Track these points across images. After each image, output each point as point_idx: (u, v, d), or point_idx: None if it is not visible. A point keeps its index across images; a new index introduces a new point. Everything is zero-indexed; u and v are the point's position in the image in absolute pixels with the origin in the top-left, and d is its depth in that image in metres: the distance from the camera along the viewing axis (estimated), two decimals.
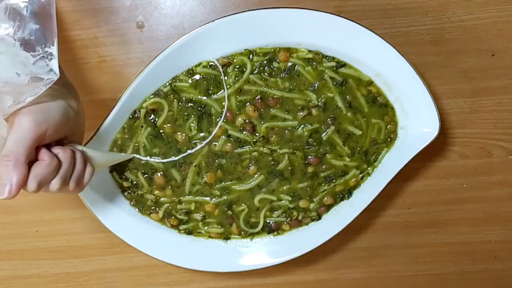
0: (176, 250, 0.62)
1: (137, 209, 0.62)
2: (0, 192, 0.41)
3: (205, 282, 0.68)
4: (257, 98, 0.59)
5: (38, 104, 0.44)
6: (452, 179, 0.67)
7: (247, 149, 0.60)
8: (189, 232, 0.63)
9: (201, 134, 0.59)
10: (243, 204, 0.62)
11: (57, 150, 0.46)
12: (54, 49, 0.40)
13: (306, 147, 0.61)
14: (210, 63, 0.58)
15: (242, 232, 0.63)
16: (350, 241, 0.68)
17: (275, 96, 0.59)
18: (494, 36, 0.63)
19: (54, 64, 0.40)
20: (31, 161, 0.43)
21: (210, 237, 0.63)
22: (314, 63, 0.59)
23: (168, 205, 0.62)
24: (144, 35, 0.62)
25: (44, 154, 0.44)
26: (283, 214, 0.63)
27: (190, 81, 0.59)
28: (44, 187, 0.44)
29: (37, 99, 0.43)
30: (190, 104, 0.59)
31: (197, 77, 0.58)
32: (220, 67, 0.58)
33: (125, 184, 0.61)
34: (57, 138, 0.46)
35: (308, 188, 0.62)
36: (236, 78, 0.58)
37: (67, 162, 0.46)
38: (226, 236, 0.63)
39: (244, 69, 0.58)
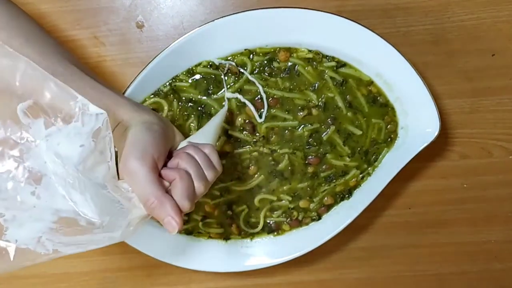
0: (176, 250, 0.62)
1: None
2: (169, 230, 0.42)
3: (205, 282, 0.68)
4: (257, 98, 0.59)
5: (127, 143, 0.44)
6: (452, 179, 0.67)
7: (247, 149, 0.60)
8: (189, 232, 0.63)
9: None
10: (243, 204, 0.62)
11: (174, 161, 0.46)
12: (82, 99, 0.40)
13: (306, 147, 0.61)
14: (210, 63, 0.58)
15: (242, 232, 0.63)
16: (350, 241, 0.68)
17: (275, 96, 0.59)
18: (494, 36, 0.63)
19: (93, 108, 0.40)
20: (166, 189, 0.44)
21: (210, 237, 0.63)
22: (314, 63, 0.59)
23: None
24: (144, 35, 0.62)
25: (169, 174, 0.45)
26: (283, 214, 0.63)
27: (190, 81, 0.58)
28: (195, 197, 0.45)
29: (119, 143, 0.44)
30: (190, 104, 0.59)
31: (197, 77, 0.58)
32: (235, 65, 0.58)
33: None
34: (165, 155, 0.46)
35: (308, 188, 0.62)
36: (236, 78, 0.58)
37: (191, 163, 0.46)
38: (226, 236, 0.63)
39: (245, 69, 0.58)
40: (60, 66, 0.46)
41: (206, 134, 0.52)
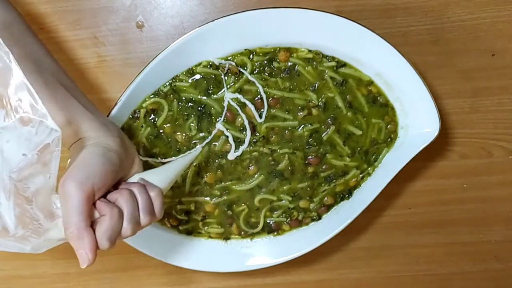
0: (176, 250, 0.62)
1: None
2: (80, 263, 0.42)
3: (205, 282, 0.68)
4: (257, 98, 0.59)
5: (75, 162, 0.43)
6: (452, 179, 0.67)
7: (247, 149, 0.60)
8: (189, 232, 0.63)
9: (201, 134, 0.59)
10: (243, 204, 0.62)
11: (114, 196, 0.45)
12: (43, 109, 0.39)
13: (306, 147, 0.61)
14: (210, 63, 0.58)
15: (242, 232, 0.63)
16: (350, 241, 0.68)
17: (275, 96, 0.59)
18: (494, 36, 0.63)
19: (51, 122, 0.39)
20: (93, 220, 0.43)
21: (210, 237, 0.63)
22: (314, 63, 0.59)
23: (168, 205, 0.62)
24: (144, 35, 0.62)
25: (102, 208, 0.43)
26: (283, 214, 0.63)
27: (190, 81, 0.58)
28: (118, 237, 0.44)
29: (73, 158, 0.43)
30: (190, 104, 0.59)
31: (197, 77, 0.58)
32: (235, 65, 0.57)
33: None
34: (108, 187, 0.45)
35: (308, 188, 0.62)
36: (236, 78, 0.58)
37: (129, 204, 0.44)
38: (226, 236, 0.63)
39: (245, 69, 0.58)
40: (35, 70, 0.45)
41: (163, 174, 0.50)
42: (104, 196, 0.45)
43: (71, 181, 0.42)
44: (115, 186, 0.47)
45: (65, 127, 0.43)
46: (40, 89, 0.43)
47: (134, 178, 0.48)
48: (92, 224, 0.43)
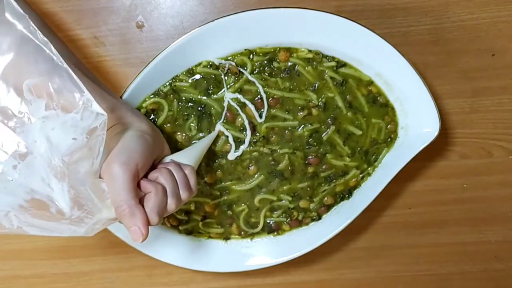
0: (176, 250, 0.62)
1: None
2: (135, 238, 0.44)
3: (205, 282, 0.68)
4: (257, 98, 0.59)
5: (117, 146, 0.45)
6: (452, 179, 0.67)
7: (247, 149, 0.60)
8: (189, 232, 0.63)
9: (201, 134, 0.59)
10: (243, 204, 0.62)
11: (154, 174, 0.47)
12: (88, 94, 0.41)
13: (306, 147, 0.61)
14: (210, 63, 0.58)
15: (242, 232, 0.63)
16: (350, 241, 0.68)
17: (275, 96, 0.59)
18: (494, 36, 0.63)
19: (96, 107, 0.41)
20: (139, 199, 0.45)
21: (210, 237, 0.63)
22: (314, 63, 0.59)
23: None
24: (144, 35, 0.62)
25: (146, 186, 0.46)
26: (283, 214, 0.63)
27: (190, 81, 0.58)
28: (164, 212, 0.46)
29: (111, 142, 0.45)
30: (190, 104, 0.59)
31: (197, 77, 0.58)
32: (235, 65, 0.57)
33: None
34: (149, 166, 0.48)
35: (308, 188, 0.62)
36: (236, 78, 0.58)
37: (169, 181, 0.47)
38: (226, 236, 0.63)
39: (245, 69, 0.58)
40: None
41: (190, 155, 0.53)
42: (145, 176, 0.47)
43: (116, 163, 0.44)
44: (150, 169, 0.49)
45: (109, 113, 0.45)
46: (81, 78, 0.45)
47: (166, 160, 0.51)
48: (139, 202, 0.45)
